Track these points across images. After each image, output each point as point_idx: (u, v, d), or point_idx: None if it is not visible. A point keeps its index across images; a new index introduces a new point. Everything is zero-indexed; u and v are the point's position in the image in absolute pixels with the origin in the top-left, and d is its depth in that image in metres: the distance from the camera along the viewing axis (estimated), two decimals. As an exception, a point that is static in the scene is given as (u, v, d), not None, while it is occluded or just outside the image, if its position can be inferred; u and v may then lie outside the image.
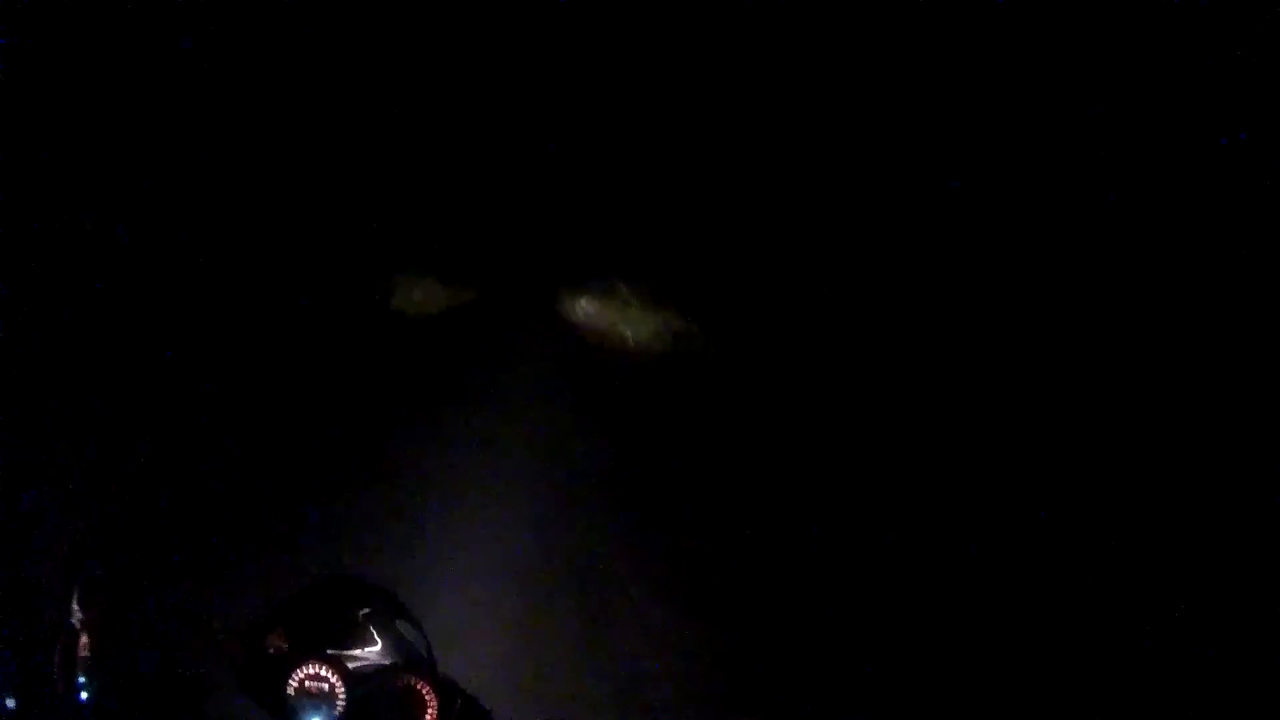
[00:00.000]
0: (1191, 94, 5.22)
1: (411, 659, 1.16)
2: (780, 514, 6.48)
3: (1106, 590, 4.89)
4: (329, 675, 1.08)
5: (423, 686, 1.11)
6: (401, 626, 1.17)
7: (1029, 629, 4.51)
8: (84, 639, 1.12)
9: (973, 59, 7.35)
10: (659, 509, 6.40)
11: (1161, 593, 4.65)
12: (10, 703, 1.08)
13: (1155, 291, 5.77)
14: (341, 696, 1.08)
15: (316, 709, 1.07)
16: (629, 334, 17.56)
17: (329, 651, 1.10)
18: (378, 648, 1.14)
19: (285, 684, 1.07)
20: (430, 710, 1.11)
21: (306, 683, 1.07)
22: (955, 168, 8.30)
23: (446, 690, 1.13)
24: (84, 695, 1.13)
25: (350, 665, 1.11)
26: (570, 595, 4.62)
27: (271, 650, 1.11)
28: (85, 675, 1.16)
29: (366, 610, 1.16)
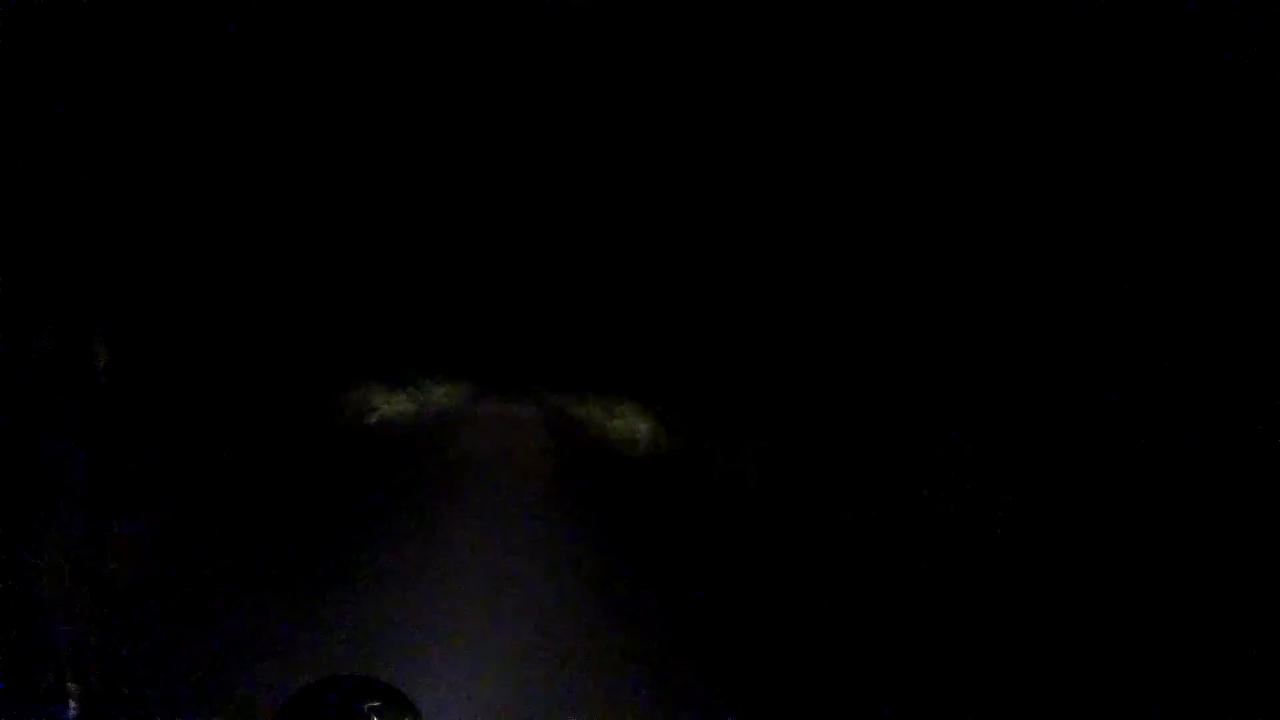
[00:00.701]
0: (1192, 93, 5.28)
1: None
2: (771, 597, 6.43)
3: (1105, 590, 4.83)
4: None
5: None
6: None
7: (1027, 630, 4.45)
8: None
9: (971, 60, 7.40)
10: (651, 597, 6.35)
11: (1161, 592, 4.58)
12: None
13: (1156, 291, 5.78)
14: None
15: None
16: (616, 433, 17.49)
17: None
18: None
19: None
20: None
21: None
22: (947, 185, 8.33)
23: None
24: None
25: None
26: (575, 689, 4.55)
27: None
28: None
29: (374, 705, 1.17)
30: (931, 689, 4.20)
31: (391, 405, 17.96)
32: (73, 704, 1.14)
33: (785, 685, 4.98)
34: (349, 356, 15.50)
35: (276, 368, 11.39)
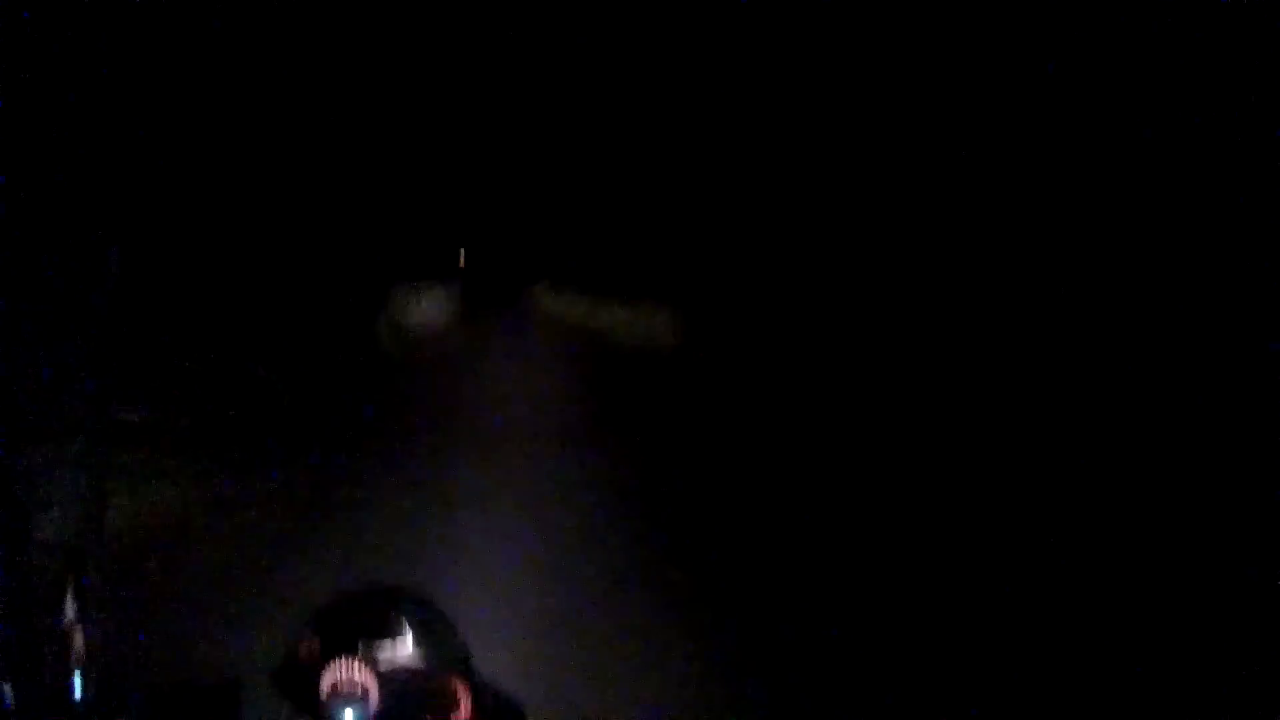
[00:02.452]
0: (1191, 94, 5.18)
1: (445, 659, 1.15)
2: (792, 523, 6.47)
3: (1104, 590, 4.85)
4: (362, 675, 1.07)
5: (456, 685, 1.11)
6: (435, 627, 1.16)
7: (1027, 632, 4.47)
8: (79, 637, 1.13)
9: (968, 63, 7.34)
10: (675, 513, 6.42)
11: (1161, 592, 4.59)
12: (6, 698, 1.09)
13: (1154, 291, 5.72)
14: (375, 696, 1.07)
15: (350, 709, 1.06)
16: (628, 335, 17.57)
17: (362, 652, 1.10)
18: (410, 648, 1.13)
19: (318, 685, 1.06)
20: (464, 708, 1.11)
21: (340, 683, 1.07)
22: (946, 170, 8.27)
23: (480, 689, 1.13)
24: (78, 693, 1.14)
25: (383, 666, 1.10)
26: (601, 598, 4.63)
27: (304, 652, 1.11)
28: (81, 672, 1.17)
29: (399, 612, 1.15)
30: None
31: (415, 315, 18.06)
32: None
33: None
34: (370, 268, 15.54)
35: (301, 283, 11.45)
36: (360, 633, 1.11)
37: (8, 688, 1.11)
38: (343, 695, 1.06)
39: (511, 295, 34.43)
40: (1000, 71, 7.40)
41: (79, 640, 1.19)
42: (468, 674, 1.15)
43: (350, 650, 1.08)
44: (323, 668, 1.06)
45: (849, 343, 10.31)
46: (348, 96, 13.61)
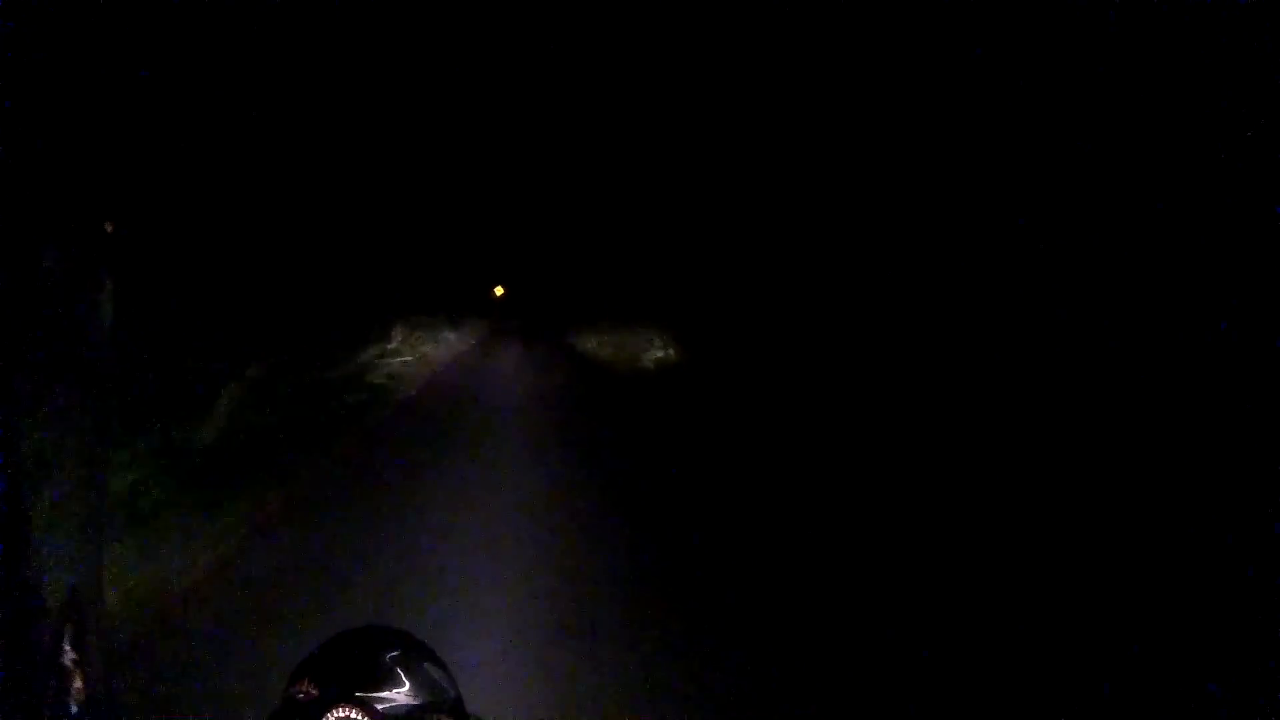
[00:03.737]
0: (1192, 94, 5.23)
1: (439, 699, 1.17)
2: (785, 533, 6.49)
3: (1101, 589, 4.85)
4: (360, 718, 1.09)
5: None
6: (428, 668, 1.19)
7: (1024, 635, 4.48)
8: (78, 679, 1.14)
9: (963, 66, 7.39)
10: (671, 538, 6.42)
11: (1161, 592, 4.60)
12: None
13: (1153, 291, 5.76)
14: None
15: None
16: (624, 356, 17.64)
17: (358, 694, 1.12)
18: (406, 689, 1.15)
19: None
20: None
21: None
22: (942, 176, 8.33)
23: None
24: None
25: (380, 707, 1.12)
26: (592, 634, 4.62)
27: (301, 696, 1.13)
28: (80, 711, 1.18)
29: (394, 653, 1.17)
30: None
31: (414, 347, 18.15)
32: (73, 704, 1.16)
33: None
34: (373, 303, 15.69)
35: (307, 320, 11.50)
36: (356, 676, 1.13)
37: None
38: (340, 739, 1.08)
39: (509, 324, 34.75)
40: (983, 86, 7.48)
41: (78, 681, 1.22)
42: (462, 715, 1.17)
43: (347, 694, 1.11)
44: (320, 711, 1.09)
45: (839, 356, 10.37)
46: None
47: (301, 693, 1.12)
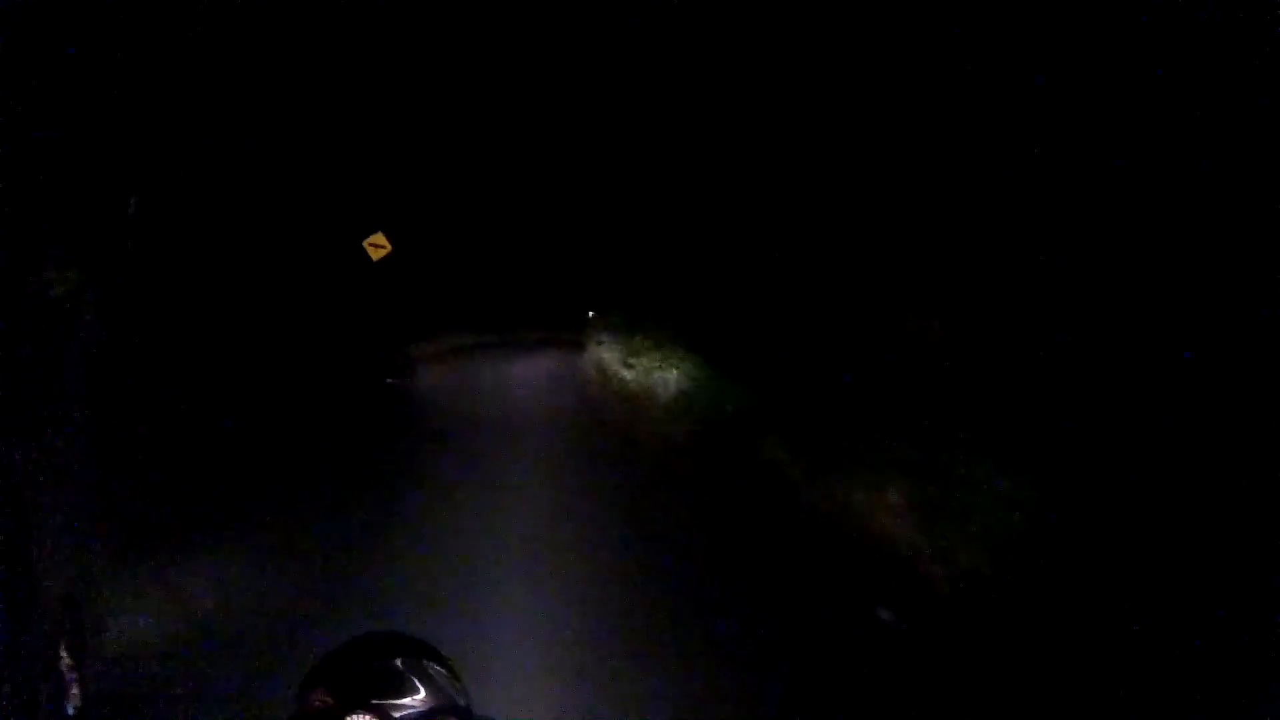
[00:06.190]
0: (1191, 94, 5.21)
1: (451, 704, 1.17)
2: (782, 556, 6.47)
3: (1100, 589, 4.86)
4: None
5: None
6: (439, 674, 1.18)
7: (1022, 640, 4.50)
8: (75, 678, 1.13)
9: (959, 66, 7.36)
10: (674, 546, 6.39)
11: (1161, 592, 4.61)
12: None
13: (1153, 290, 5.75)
14: None
15: None
16: (628, 377, 17.33)
17: (373, 702, 1.11)
18: (420, 695, 1.15)
19: None
20: None
21: None
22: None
23: None
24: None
25: (396, 715, 1.12)
26: (599, 636, 4.61)
27: (317, 704, 1.12)
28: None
29: (407, 659, 1.17)
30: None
31: (425, 357, 17.79)
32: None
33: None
34: (385, 315, 15.38)
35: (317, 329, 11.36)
36: (368, 684, 1.13)
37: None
38: (354, 747, 1.08)
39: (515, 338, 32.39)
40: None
41: (75, 683, 1.21)
42: (473, 717, 1.17)
43: (360, 702, 1.10)
44: (335, 719, 1.08)
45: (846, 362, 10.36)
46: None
47: (317, 701, 1.12)
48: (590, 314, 21.59)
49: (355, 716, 1.09)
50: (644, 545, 6.50)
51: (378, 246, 13.98)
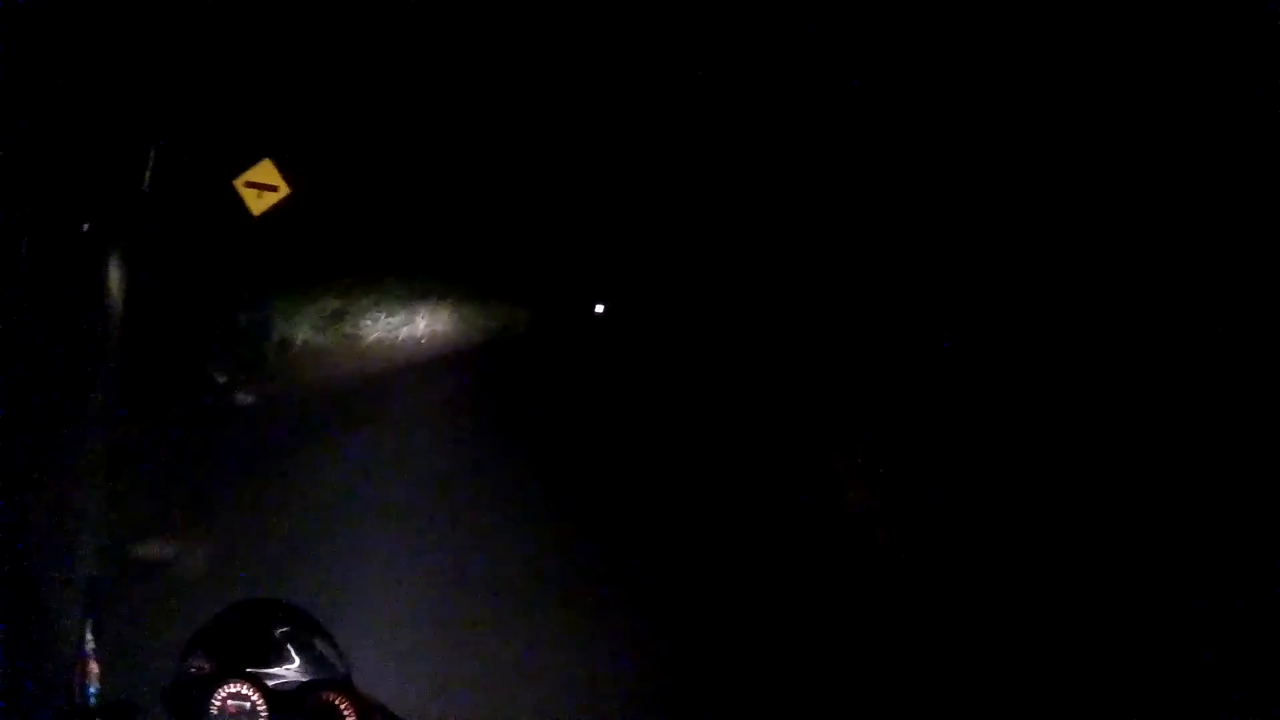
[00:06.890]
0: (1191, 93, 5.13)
1: (329, 675, 1.22)
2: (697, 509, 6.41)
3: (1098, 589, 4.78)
4: (250, 694, 1.14)
5: (341, 701, 1.17)
6: (318, 643, 1.24)
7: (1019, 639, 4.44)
8: (99, 665, 1.21)
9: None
10: (566, 508, 6.33)
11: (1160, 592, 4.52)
12: None
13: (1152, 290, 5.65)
14: (263, 714, 1.15)
15: None
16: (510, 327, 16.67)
17: (249, 670, 1.17)
18: (296, 665, 1.20)
19: (208, 703, 1.14)
20: None
21: (228, 702, 1.14)
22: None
23: (364, 704, 1.20)
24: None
25: (270, 683, 1.18)
26: (484, 602, 4.61)
27: (194, 670, 1.19)
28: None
29: (284, 629, 1.22)
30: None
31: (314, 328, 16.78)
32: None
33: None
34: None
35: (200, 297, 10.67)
36: (247, 651, 1.19)
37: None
38: (231, 714, 1.14)
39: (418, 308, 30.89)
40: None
41: (99, 670, 1.28)
42: (352, 689, 1.23)
43: (238, 669, 1.17)
44: (212, 687, 1.15)
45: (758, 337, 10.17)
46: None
47: (194, 667, 1.19)
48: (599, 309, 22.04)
49: (230, 685, 1.15)
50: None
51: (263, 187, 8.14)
